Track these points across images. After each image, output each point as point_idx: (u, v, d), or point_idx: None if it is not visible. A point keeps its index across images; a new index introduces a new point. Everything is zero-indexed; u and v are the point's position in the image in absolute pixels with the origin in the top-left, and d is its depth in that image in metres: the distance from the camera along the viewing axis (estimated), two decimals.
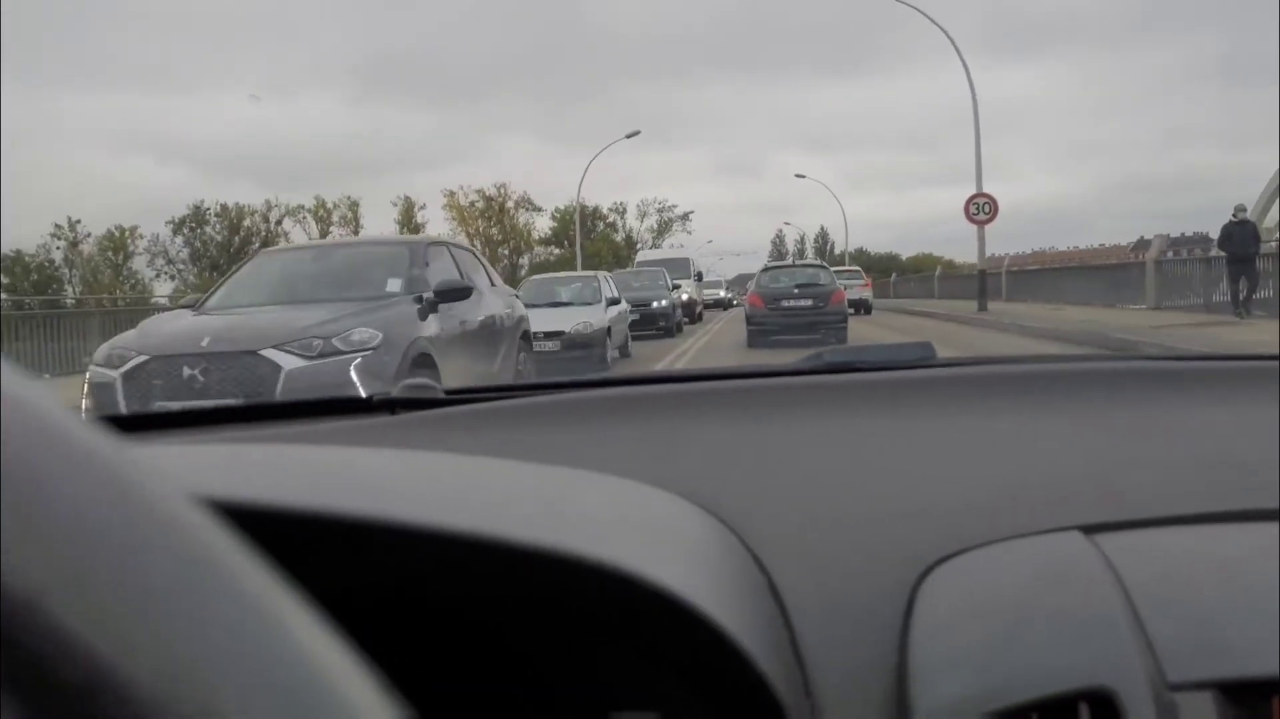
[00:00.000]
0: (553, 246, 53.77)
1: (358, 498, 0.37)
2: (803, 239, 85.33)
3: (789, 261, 18.83)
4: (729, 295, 35.44)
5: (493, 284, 6.27)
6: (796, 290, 11.60)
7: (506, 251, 53.63)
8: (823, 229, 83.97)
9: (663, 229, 59.92)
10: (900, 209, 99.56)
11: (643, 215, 59.62)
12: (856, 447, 0.66)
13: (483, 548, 0.35)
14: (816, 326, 11.11)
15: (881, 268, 62.11)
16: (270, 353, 4.15)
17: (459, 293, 5.08)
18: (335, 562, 0.35)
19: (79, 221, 47.60)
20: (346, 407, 0.82)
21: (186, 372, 4.15)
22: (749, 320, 11.78)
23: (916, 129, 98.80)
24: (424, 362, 4.49)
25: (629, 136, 27.47)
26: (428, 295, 4.91)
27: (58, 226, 47.10)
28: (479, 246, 51.46)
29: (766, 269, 13.14)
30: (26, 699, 0.13)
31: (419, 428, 0.74)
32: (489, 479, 0.50)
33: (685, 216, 60.28)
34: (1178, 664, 0.35)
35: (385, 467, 0.50)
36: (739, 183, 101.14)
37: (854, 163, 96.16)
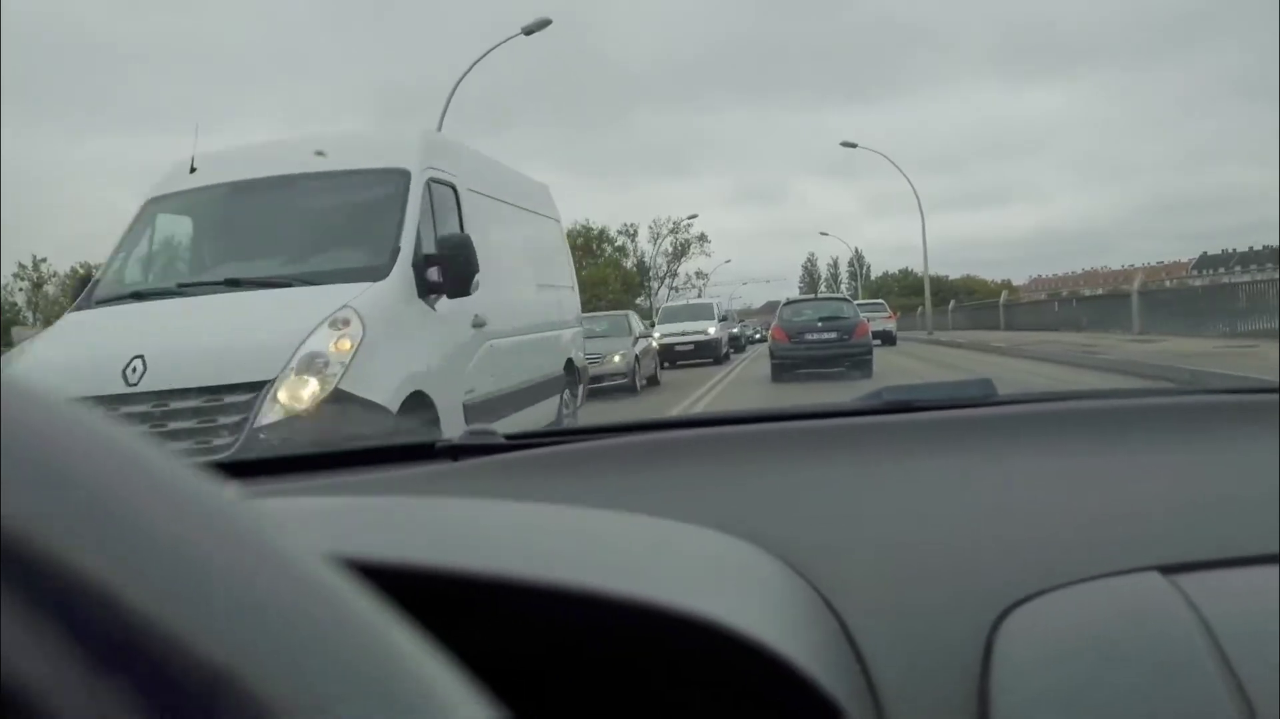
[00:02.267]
0: None
1: (443, 551, 0.42)
2: (835, 263, 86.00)
3: (812, 294, 19.35)
4: (734, 330, 23.73)
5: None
6: (820, 323, 12.19)
7: None
8: (858, 251, 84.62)
9: (679, 251, 59.66)
10: (924, 233, 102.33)
11: (656, 237, 58.95)
12: (923, 487, 0.70)
13: (568, 599, 0.39)
14: (841, 360, 11.78)
15: (945, 294, 61.04)
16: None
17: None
18: (428, 617, 0.36)
19: (44, 260, 47.99)
20: (409, 453, 0.88)
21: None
22: (772, 355, 12.48)
23: (940, 152, 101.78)
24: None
25: (528, 32, 15.50)
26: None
27: (21, 266, 47.51)
28: None
29: (789, 302, 13.70)
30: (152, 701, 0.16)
31: (483, 474, 0.80)
32: (565, 528, 0.54)
33: (702, 238, 59.80)
34: (1272, 709, 0.36)
35: (458, 517, 0.55)
36: (762, 209, 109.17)
37: (876, 188, 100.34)
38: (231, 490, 0.22)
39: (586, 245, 55.36)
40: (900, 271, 69.96)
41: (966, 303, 36.82)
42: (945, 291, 61.34)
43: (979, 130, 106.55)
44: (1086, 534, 0.57)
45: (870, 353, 12.10)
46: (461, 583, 0.39)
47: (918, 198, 26.29)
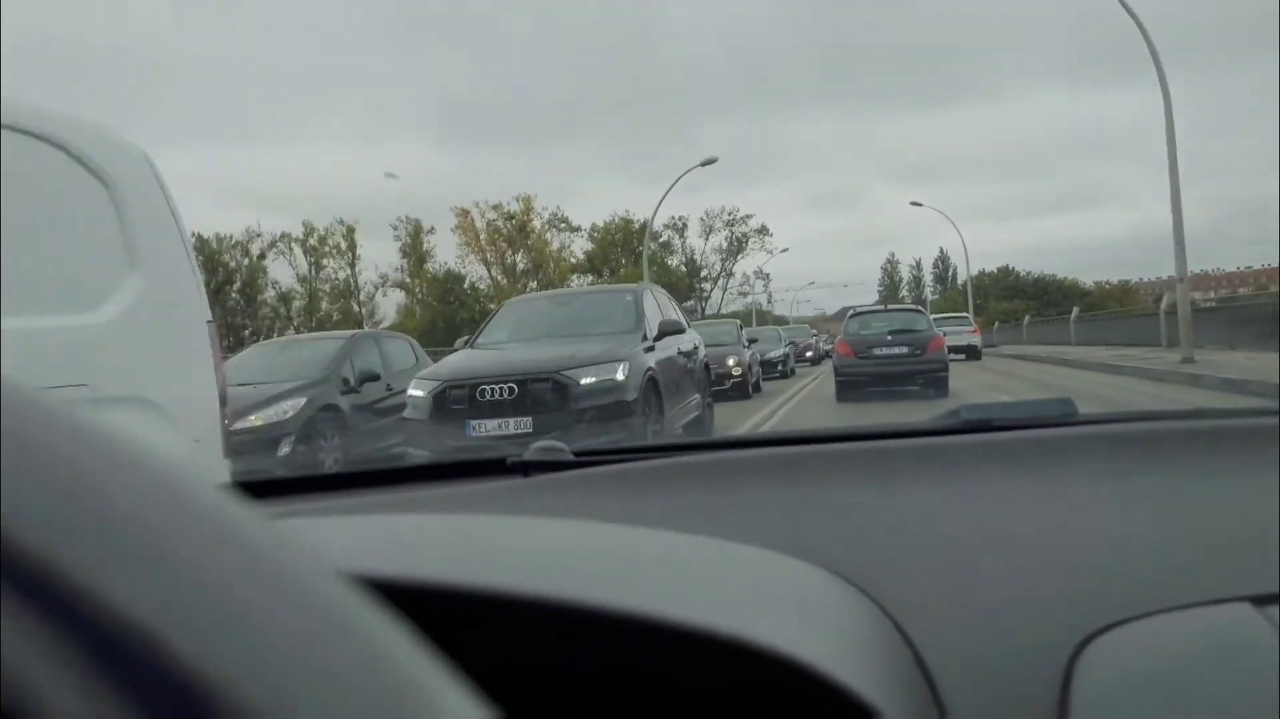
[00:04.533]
0: (589, 275, 51.06)
1: (500, 571, 0.45)
2: (918, 264, 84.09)
3: (882, 305, 18.53)
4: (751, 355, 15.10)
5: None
6: (890, 337, 12.04)
7: (535, 284, 50.31)
8: (942, 251, 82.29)
9: (735, 248, 56.56)
10: (1006, 240, 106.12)
11: (708, 231, 56.29)
12: (1001, 510, 0.72)
13: (630, 623, 0.42)
14: (913, 377, 11.68)
15: (1052, 297, 56.59)
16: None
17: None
18: (477, 637, 0.41)
19: None
20: (481, 469, 0.97)
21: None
22: (836, 372, 12.42)
23: (1021, 156, 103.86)
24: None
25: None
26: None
27: None
28: (497, 277, 50.14)
29: (855, 314, 13.51)
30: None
31: (553, 490, 0.87)
32: (631, 549, 0.58)
33: (762, 230, 56.54)
34: None
35: (526, 537, 0.59)
36: (836, 215, 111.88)
37: (955, 193, 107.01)
38: (242, 505, 0.23)
39: (625, 243, 53.05)
40: (999, 270, 66.34)
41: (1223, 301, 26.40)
42: (1051, 293, 57.76)
43: (1059, 133, 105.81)
44: (1173, 561, 0.58)
45: (946, 369, 11.95)
46: (511, 604, 0.42)
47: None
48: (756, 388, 15.27)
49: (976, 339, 24.81)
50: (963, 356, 21.01)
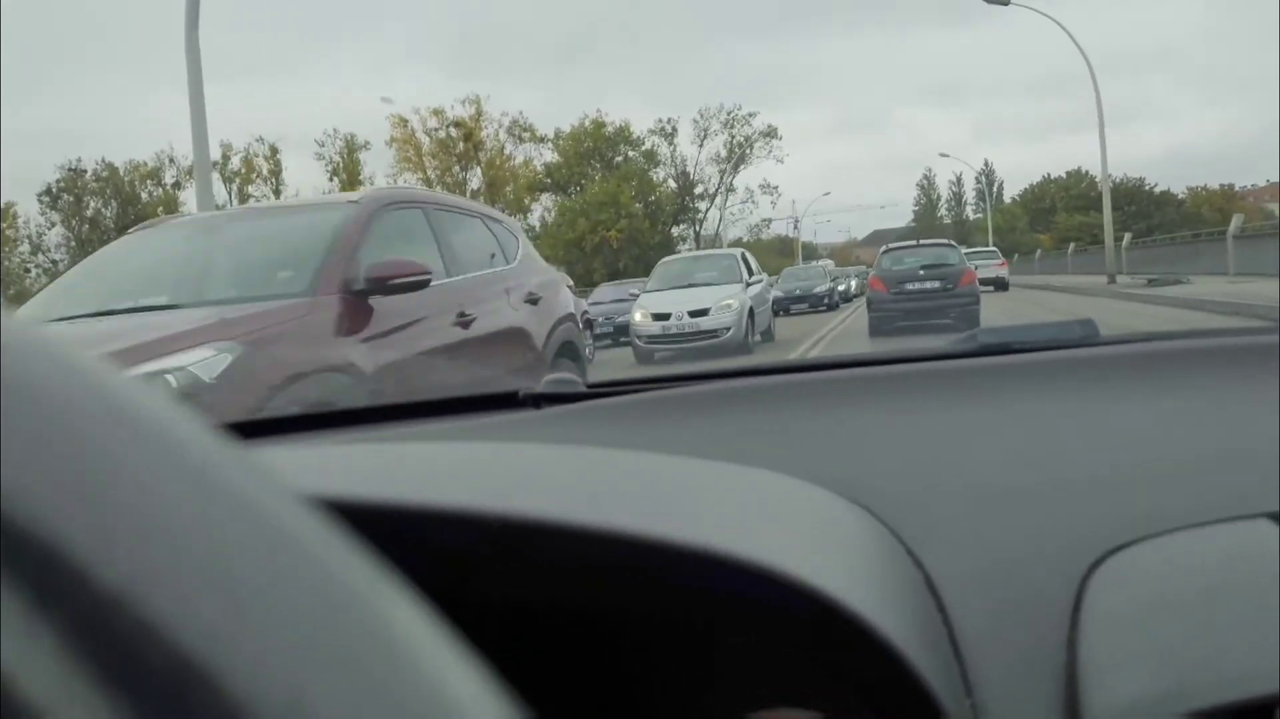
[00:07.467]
0: (550, 194, 46.07)
1: (494, 496, 0.48)
2: (959, 179, 79.95)
3: (914, 239, 18.06)
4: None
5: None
6: (922, 272, 13.30)
7: (502, 208, 46.16)
8: (987, 164, 77.46)
9: (736, 155, 48.65)
10: (1042, 160, 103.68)
11: (702, 136, 48.65)
12: (1015, 432, 0.76)
13: (628, 546, 0.43)
14: (945, 311, 12.78)
15: (1142, 208, 50.73)
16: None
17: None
18: (469, 563, 0.43)
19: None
20: (492, 403, 1.02)
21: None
22: (870, 307, 13.85)
23: (1049, 73, 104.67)
24: None
25: None
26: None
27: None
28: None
29: (888, 250, 14.78)
30: (118, 686, 0.17)
31: (564, 422, 0.92)
32: (634, 474, 0.61)
33: (771, 133, 48.37)
34: None
35: (528, 462, 0.63)
36: (863, 139, 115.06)
37: (985, 113, 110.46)
38: (222, 441, 0.23)
39: (596, 150, 46.97)
40: (1069, 175, 58.60)
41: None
42: (1140, 202, 50.62)
43: (1095, 45, 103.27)
44: (1190, 479, 0.61)
45: (977, 302, 13.07)
46: (510, 528, 0.43)
47: None
48: None
49: (1004, 272, 28.41)
50: (991, 288, 23.17)
